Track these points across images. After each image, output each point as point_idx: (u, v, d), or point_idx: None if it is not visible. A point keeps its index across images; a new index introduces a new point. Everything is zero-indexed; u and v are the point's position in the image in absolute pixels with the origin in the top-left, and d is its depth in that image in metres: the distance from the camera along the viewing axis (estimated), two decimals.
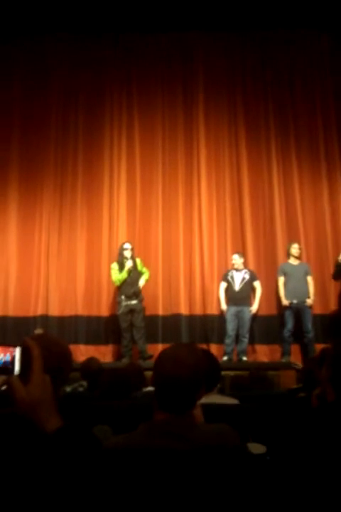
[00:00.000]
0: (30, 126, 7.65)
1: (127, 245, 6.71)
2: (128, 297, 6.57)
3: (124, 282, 6.59)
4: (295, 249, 6.91)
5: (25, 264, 7.34)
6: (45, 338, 1.52)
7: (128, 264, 6.57)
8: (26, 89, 7.69)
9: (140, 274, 6.71)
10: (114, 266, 6.69)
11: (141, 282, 6.67)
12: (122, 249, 6.68)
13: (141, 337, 6.62)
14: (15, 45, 7.73)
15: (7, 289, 7.23)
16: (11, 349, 1.12)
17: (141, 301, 6.66)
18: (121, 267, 6.60)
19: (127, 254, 6.62)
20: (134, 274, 6.63)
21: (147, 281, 6.79)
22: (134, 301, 6.58)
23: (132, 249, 6.71)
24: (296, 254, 6.90)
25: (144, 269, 6.79)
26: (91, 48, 7.71)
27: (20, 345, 1.13)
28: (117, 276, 6.61)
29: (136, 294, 6.60)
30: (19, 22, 7.35)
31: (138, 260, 6.77)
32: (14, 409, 1.11)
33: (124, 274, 6.57)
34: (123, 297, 6.59)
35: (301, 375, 3.96)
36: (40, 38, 7.67)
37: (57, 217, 7.45)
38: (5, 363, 1.12)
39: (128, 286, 6.58)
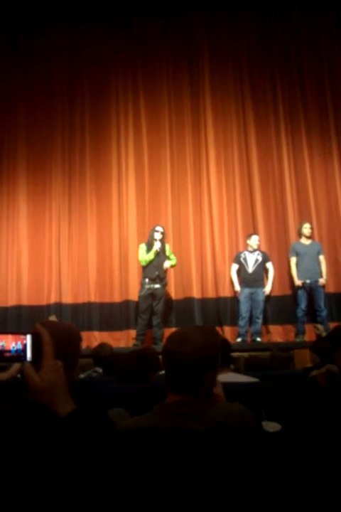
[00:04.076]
0: (36, 115, 7.66)
1: (158, 228, 6.66)
2: (152, 280, 6.54)
3: (150, 264, 6.56)
4: (306, 228, 6.84)
5: (37, 254, 7.38)
6: (52, 324, 1.53)
7: (156, 245, 6.52)
8: (31, 79, 7.69)
9: (166, 259, 6.66)
10: (142, 246, 6.67)
11: (166, 264, 6.60)
12: (153, 231, 6.65)
13: (158, 323, 6.62)
14: (20, 34, 7.71)
15: (20, 279, 7.29)
16: (21, 337, 1.13)
17: (164, 286, 6.64)
18: (150, 248, 6.58)
19: (157, 236, 6.57)
20: (161, 257, 6.59)
21: (173, 267, 6.77)
22: (157, 285, 6.55)
23: (163, 233, 6.65)
24: (308, 234, 6.84)
25: (172, 256, 6.75)
26: (94, 33, 7.66)
27: (30, 333, 1.14)
28: (144, 256, 6.57)
29: (161, 278, 6.57)
30: (23, 13, 7.34)
31: (167, 246, 6.75)
32: (29, 395, 1.13)
33: (151, 256, 6.53)
34: (146, 280, 6.57)
35: (317, 353, 3.95)
36: (42, 24, 7.63)
37: (66, 205, 7.47)
38: (17, 351, 1.13)
39: (153, 269, 6.54)
